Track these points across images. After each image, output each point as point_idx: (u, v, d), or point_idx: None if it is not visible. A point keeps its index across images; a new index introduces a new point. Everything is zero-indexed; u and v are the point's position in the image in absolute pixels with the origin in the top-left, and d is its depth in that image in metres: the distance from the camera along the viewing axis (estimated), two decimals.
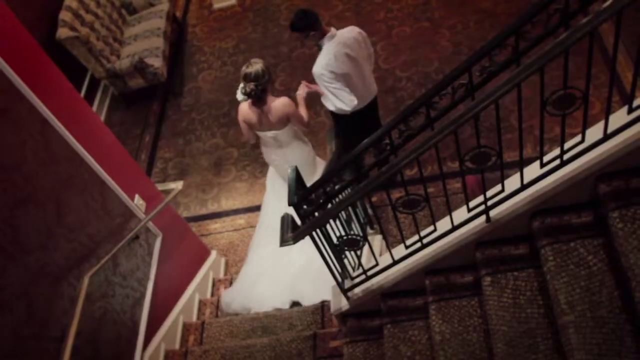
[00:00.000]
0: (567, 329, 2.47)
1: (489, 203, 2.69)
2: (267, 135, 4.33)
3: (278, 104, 4.15)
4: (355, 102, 4.40)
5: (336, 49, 4.23)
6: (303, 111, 4.34)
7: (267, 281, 4.68)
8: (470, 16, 6.52)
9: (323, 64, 4.25)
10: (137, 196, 4.09)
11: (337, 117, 4.64)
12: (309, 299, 4.51)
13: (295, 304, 4.63)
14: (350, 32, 4.31)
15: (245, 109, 4.26)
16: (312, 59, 4.55)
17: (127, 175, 4.05)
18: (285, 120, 4.21)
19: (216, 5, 8.09)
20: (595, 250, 2.64)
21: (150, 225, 4.25)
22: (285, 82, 6.67)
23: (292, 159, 4.44)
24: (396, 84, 6.09)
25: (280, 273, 4.64)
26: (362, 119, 4.66)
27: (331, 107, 4.48)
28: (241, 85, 4.13)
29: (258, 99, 4.10)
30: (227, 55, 7.38)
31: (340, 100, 4.38)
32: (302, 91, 4.46)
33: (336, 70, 4.26)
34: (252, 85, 4.00)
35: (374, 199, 5.09)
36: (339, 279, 3.18)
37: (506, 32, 2.10)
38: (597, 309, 2.49)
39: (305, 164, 4.48)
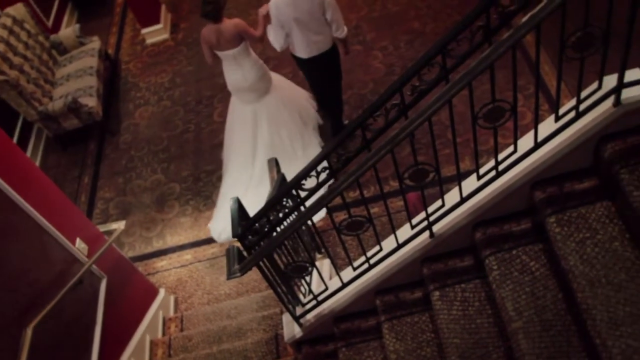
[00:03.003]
0: (517, 335, 2.52)
1: (431, 218, 2.74)
2: (227, 54, 4.95)
3: (231, 23, 4.81)
4: (283, 47, 5.00)
5: None
6: (260, 27, 4.96)
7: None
8: (401, 37, 6.67)
9: None
10: (78, 240, 3.98)
11: (294, 59, 5.24)
12: None
13: None
14: None
15: (205, 33, 4.86)
16: None
17: (67, 219, 3.94)
18: (238, 38, 4.85)
19: (149, 41, 8.04)
20: (536, 256, 2.72)
21: (94, 268, 4.14)
22: (224, 113, 6.63)
23: (249, 76, 5.09)
24: None
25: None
26: (310, 69, 5.25)
27: (269, 37, 5.01)
28: None
29: (214, 18, 4.76)
30: (163, 90, 7.33)
31: (273, 35, 4.95)
32: (263, 10, 4.92)
33: (281, 11, 4.70)
34: (209, 7, 4.69)
35: (319, 223, 5.11)
36: (290, 306, 3.16)
37: (433, 51, 2.15)
38: (543, 313, 2.55)
39: (261, 80, 5.17)
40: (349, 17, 7.11)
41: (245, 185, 5.56)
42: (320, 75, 5.33)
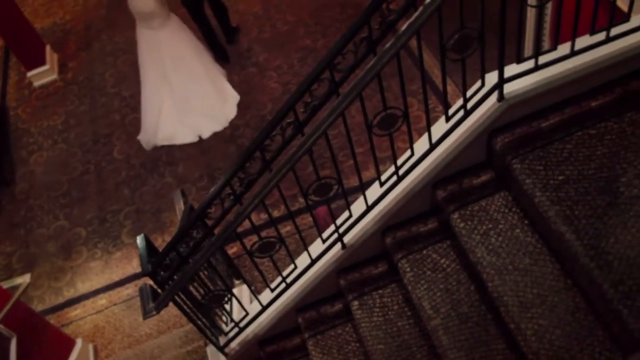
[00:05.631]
0: (437, 332, 2.58)
1: (341, 230, 2.77)
2: None
3: None
4: None
5: None
6: None
7: (166, 123, 6.05)
8: (293, 55, 6.75)
9: None
10: None
11: None
12: (208, 129, 6.07)
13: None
14: None
15: None
16: None
17: None
18: None
19: (36, 83, 7.73)
20: (446, 253, 2.80)
21: (1, 327, 3.91)
22: (123, 149, 6.49)
23: (150, 1, 5.43)
24: (235, 132, 6.13)
25: (173, 112, 6.05)
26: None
27: None
28: None
29: None
30: (57, 133, 7.05)
31: None
32: None
33: None
34: None
35: (234, 249, 5.07)
36: (213, 337, 3.11)
37: (320, 67, 2.19)
38: (459, 307, 2.63)
39: (161, 6, 5.54)
40: (240, 41, 7.13)
41: (159, 105, 6.05)
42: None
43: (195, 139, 6.08)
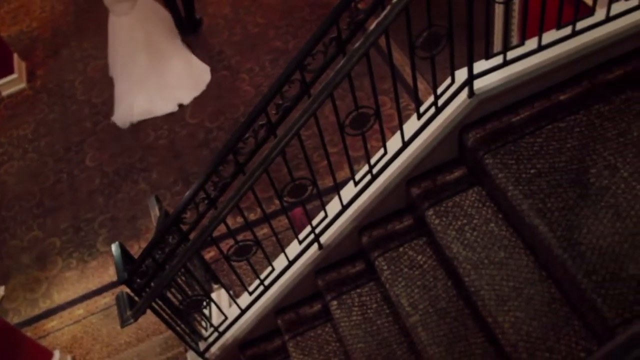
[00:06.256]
0: (416, 329, 2.59)
1: (317, 230, 2.77)
2: None
3: None
4: None
5: None
6: None
7: (142, 100, 6.19)
8: (265, 57, 6.73)
9: None
10: None
11: None
12: (187, 97, 6.30)
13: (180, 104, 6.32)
14: None
15: None
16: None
17: None
18: None
19: (4, 93, 7.61)
20: (422, 250, 2.82)
21: None
22: (96, 156, 6.42)
23: None
24: (208, 135, 6.09)
25: (148, 90, 6.21)
26: None
27: None
28: None
29: None
30: (27, 142, 6.95)
31: None
32: None
33: None
34: None
35: (211, 253, 5.05)
36: (193, 343, 3.09)
37: (290, 68, 2.19)
38: (437, 303, 2.65)
39: None
40: (210, 43, 7.10)
41: (136, 88, 6.22)
42: None
43: (175, 109, 6.25)
